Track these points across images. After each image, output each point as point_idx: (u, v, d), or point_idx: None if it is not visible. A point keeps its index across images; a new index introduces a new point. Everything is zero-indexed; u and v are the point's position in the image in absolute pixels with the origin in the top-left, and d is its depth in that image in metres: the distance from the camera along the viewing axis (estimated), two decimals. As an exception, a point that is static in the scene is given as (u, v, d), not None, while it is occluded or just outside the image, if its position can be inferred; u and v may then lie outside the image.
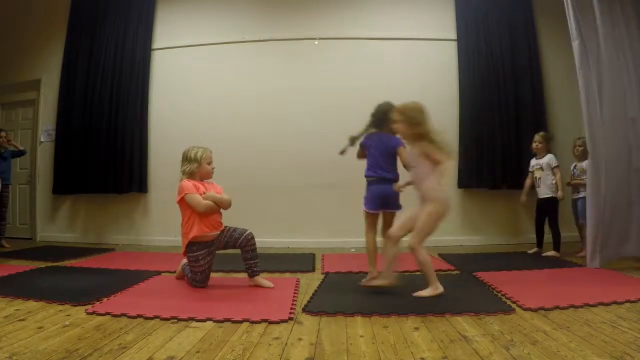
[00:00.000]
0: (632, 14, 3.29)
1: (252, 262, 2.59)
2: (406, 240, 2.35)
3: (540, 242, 3.83)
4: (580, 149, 3.65)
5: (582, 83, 3.14)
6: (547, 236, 3.78)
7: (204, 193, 2.56)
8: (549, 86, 4.67)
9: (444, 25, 4.75)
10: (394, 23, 4.77)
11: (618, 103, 3.19)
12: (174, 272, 2.93)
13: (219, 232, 2.59)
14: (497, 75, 4.60)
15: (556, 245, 3.69)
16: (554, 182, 3.70)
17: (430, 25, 4.78)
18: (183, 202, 2.53)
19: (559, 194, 3.69)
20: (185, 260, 2.77)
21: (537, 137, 3.84)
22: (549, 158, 3.75)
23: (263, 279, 2.62)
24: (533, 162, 3.88)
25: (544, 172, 3.74)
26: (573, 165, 3.77)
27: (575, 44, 3.16)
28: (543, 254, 3.69)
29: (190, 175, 2.59)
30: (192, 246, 2.55)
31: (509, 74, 4.59)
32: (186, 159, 2.62)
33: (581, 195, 3.56)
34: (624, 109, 3.21)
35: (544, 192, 3.74)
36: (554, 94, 4.65)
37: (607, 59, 3.15)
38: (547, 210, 3.75)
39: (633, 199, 3.22)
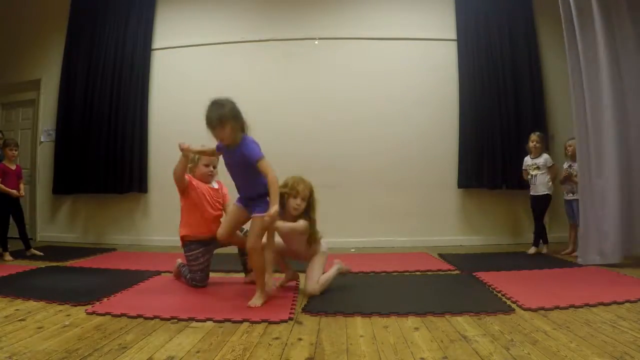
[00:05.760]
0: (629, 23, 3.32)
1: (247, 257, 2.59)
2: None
3: (544, 239, 3.90)
4: (571, 148, 3.78)
5: (572, 82, 3.36)
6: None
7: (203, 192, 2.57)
8: (549, 86, 4.66)
9: (444, 25, 4.75)
10: (394, 23, 4.77)
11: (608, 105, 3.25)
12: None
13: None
14: (497, 75, 4.59)
15: (543, 239, 3.87)
16: (548, 180, 3.84)
17: (430, 25, 4.78)
18: (185, 193, 2.55)
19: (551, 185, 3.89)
20: (180, 261, 2.77)
21: (535, 136, 3.92)
22: (545, 158, 3.87)
23: None
24: (529, 161, 3.97)
25: (540, 170, 3.85)
26: (568, 164, 3.82)
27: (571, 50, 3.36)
28: (538, 253, 3.82)
29: (191, 172, 2.61)
30: (190, 244, 2.56)
31: (509, 74, 4.59)
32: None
33: (577, 197, 3.60)
34: (622, 112, 3.27)
35: (540, 190, 3.86)
36: (554, 94, 4.65)
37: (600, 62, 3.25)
38: (540, 206, 3.89)
39: (632, 198, 3.24)
